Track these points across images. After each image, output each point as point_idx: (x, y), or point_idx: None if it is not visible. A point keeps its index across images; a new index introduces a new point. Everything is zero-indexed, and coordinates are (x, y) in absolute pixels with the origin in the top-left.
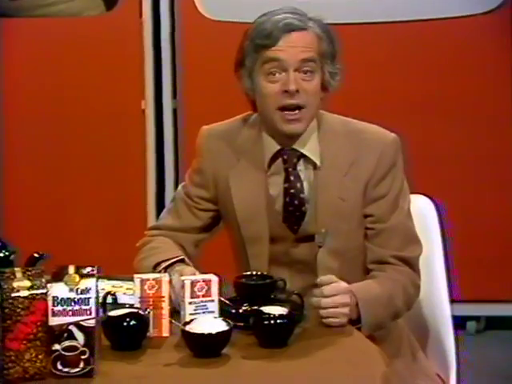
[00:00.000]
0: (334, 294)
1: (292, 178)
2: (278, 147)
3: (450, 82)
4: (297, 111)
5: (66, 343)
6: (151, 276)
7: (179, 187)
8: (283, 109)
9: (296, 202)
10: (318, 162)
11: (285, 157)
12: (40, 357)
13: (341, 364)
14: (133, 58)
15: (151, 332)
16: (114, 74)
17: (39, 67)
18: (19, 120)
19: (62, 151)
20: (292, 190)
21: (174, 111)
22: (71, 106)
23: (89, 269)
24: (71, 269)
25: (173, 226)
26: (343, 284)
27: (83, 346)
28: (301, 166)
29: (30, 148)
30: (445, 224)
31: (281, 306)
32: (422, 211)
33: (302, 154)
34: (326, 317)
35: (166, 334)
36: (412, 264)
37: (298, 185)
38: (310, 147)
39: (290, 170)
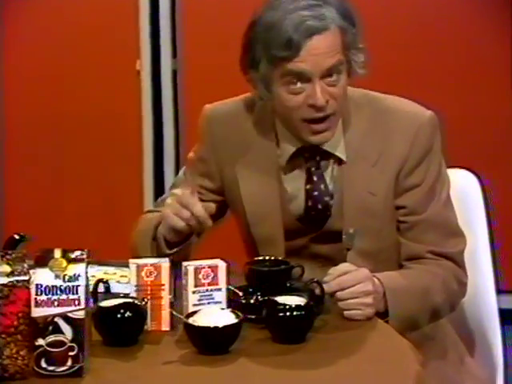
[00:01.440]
0: (353, 284)
1: (315, 178)
2: (298, 144)
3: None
4: (326, 121)
5: (52, 338)
6: (149, 261)
7: (180, 172)
8: (310, 121)
9: (319, 207)
10: (343, 157)
11: (306, 155)
12: (21, 353)
13: (367, 362)
14: (127, 11)
15: (149, 325)
16: (105, 31)
17: (33, 26)
18: (17, 82)
19: (53, 118)
20: (315, 193)
21: (174, 73)
22: (59, 67)
23: (77, 253)
24: (57, 252)
25: None
26: (363, 271)
27: (71, 341)
28: (326, 163)
29: (27, 111)
30: (490, 204)
31: (298, 295)
32: (463, 188)
33: (325, 150)
34: (347, 309)
35: (165, 327)
36: (455, 260)
37: (322, 186)
38: (333, 141)
39: (313, 169)
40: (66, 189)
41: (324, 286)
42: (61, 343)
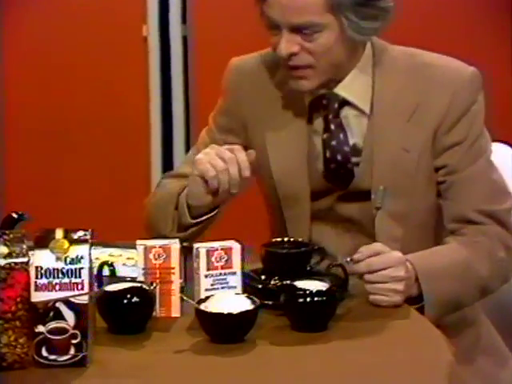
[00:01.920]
0: (384, 267)
1: (333, 127)
2: (318, 92)
3: None
4: (299, 70)
5: (53, 324)
6: (158, 243)
7: (202, 132)
8: (287, 66)
9: (339, 158)
10: (365, 109)
11: (324, 102)
12: (20, 341)
13: (394, 352)
14: None
15: (158, 311)
16: None
17: None
18: (20, 44)
19: (56, 90)
20: (333, 142)
21: (184, 39)
22: (62, 30)
23: (80, 233)
24: (59, 233)
25: (189, 173)
26: (396, 254)
27: (74, 327)
28: (347, 114)
29: (29, 80)
30: None
31: (319, 279)
32: (499, 162)
33: (344, 99)
34: (373, 293)
35: (175, 313)
36: (502, 220)
37: (341, 136)
38: (356, 91)
39: (330, 117)
40: (69, 164)
41: (352, 265)
42: (63, 330)
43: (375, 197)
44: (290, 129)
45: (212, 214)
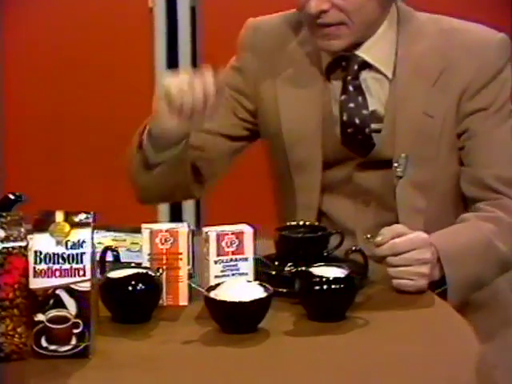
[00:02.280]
0: (408, 249)
1: (351, 88)
2: (338, 53)
3: None
4: (332, 27)
5: (53, 313)
6: (164, 226)
7: None
8: (316, 24)
9: (357, 121)
10: (387, 73)
11: (343, 63)
12: (18, 330)
13: (418, 343)
14: None
15: (164, 299)
16: None
17: None
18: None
19: (59, 63)
20: (351, 105)
21: (192, 10)
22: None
23: (82, 216)
24: (59, 215)
25: None
26: (421, 235)
27: (75, 316)
28: (367, 77)
29: (31, 56)
30: None
31: (337, 266)
32: None
33: (365, 61)
34: (397, 277)
35: (183, 302)
36: None
37: (360, 98)
38: (379, 54)
39: (349, 79)
40: (71, 142)
41: (373, 242)
42: (63, 319)
43: (397, 165)
44: (305, 90)
45: (178, 148)
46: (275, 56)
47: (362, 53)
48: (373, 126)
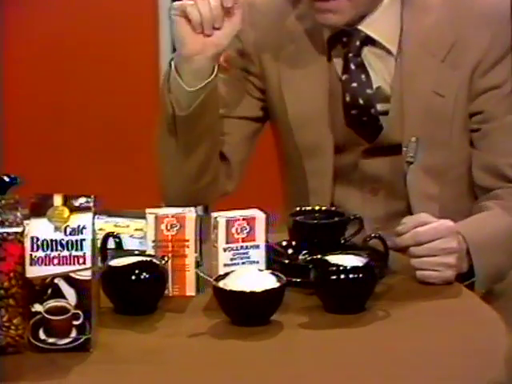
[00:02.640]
0: (433, 238)
1: (353, 66)
2: (339, 27)
3: None
4: (332, 1)
5: (51, 303)
6: (170, 211)
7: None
8: None
9: (361, 102)
10: (392, 49)
11: (344, 39)
12: (14, 321)
13: (443, 337)
14: None
15: (170, 289)
16: None
17: None
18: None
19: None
20: (353, 84)
21: None
22: None
23: (82, 199)
24: (57, 199)
25: None
26: (446, 223)
27: (75, 307)
28: (370, 53)
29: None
30: None
31: (355, 254)
32: None
33: (368, 36)
34: (420, 268)
35: (190, 292)
36: None
37: (363, 77)
38: (382, 28)
39: (351, 56)
40: (71, 121)
41: (396, 238)
42: (63, 310)
43: (406, 150)
44: (308, 69)
45: (210, 78)
46: (275, 32)
47: (365, 27)
48: (379, 106)
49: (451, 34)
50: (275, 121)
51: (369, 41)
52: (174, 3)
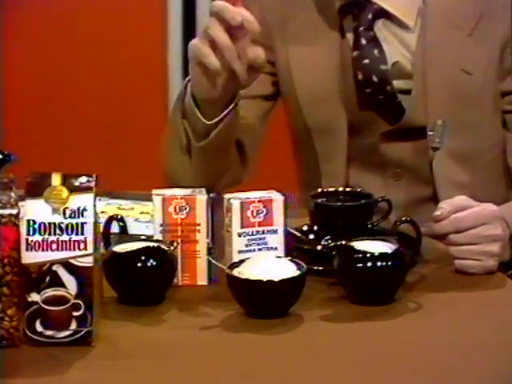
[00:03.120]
0: (475, 224)
1: (363, 41)
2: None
3: None
4: None
5: (49, 292)
6: (179, 193)
7: None
8: None
9: (375, 79)
10: (409, 23)
11: (355, 11)
12: (9, 312)
13: (481, 332)
14: None
15: (179, 278)
16: None
17: None
18: None
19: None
20: (365, 61)
21: None
22: None
23: (83, 179)
24: (56, 178)
25: None
26: (489, 207)
27: (75, 296)
28: (383, 27)
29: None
30: None
31: (383, 240)
32: None
33: (382, 9)
34: (460, 257)
35: (202, 281)
36: None
37: (376, 52)
38: (398, 0)
39: (361, 30)
40: (72, 96)
41: (434, 225)
42: (61, 300)
43: (432, 134)
44: (318, 43)
45: (229, 108)
46: (283, 4)
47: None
48: (398, 84)
49: (478, 5)
50: (284, 98)
51: (383, 14)
52: (193, 44)
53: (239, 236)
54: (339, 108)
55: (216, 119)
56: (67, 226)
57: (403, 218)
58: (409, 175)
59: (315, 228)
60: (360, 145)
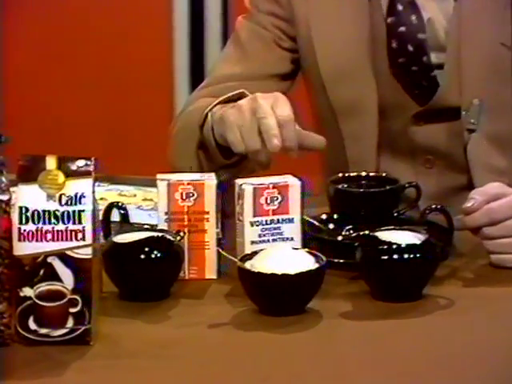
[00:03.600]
0: (509, 215)
1: (400, 7)
2: None
3: None
4: None
5: (44, 287)
6: (186, 178)
7: (238, 20)
8: None
9: (410, 49)
10: None
11: None
12: (0, 308)
13: None
14: None
15: (186, 272)
16: None
17: None
18: None
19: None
20: (401, 29)
21: None
22: None
23: (81, 162)
24: (51, 161)
25: (236, 73)
26: None
27: (72, 291)
28: None
29: None
30: None
31: (411, 230)
32: None
33: None
34: (497, 252)
35: (210, 274)
36: None
37: (413, 18)
38: None
39: None
40: (72, 95)
41: (465, 217)
42: (57, 295)
43: (467, 115)
44: (344, 10)
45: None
46: None
47: None
48: (434, 57)
49: None
50: (306, 74)
51: None
52: (227, 116)
53: (252, 225)
54: (368, 84)
55: (235, 159)
56: (63, 214)
57: (433, 206)
58: (441, 162)
59: (335, 216)
60: (389, 128)
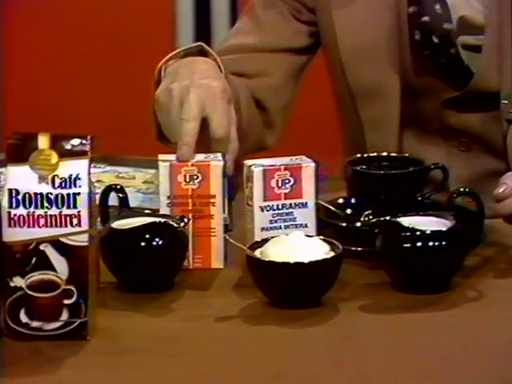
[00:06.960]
0: None
1: None
2: None
3: None
4: None
5: (36, 276)
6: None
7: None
8: None
9: (435, 40)
10: None
11: None
12: None
13: None
14: None
15: (191, 260)
16: None
17: None
18: None
19: None
20: (425, 18)
21: None
22: None
23: (75, 141)
24: (43, 140)
25: (247, 44)
26: None
27: (67, 281)
28: None
29: None
30: None
31: (437, 215)
32: None
33: None
34: None
35: (217, 264)
36: None
37: (437, 7)
38: None
39: None
40: (74, 73)
41: (496, 205)
42: (50, 285)
43: (507, 103)
44: None
45: None
46: None
47: None
48: (464, 39)
49: None
50: (325, 52)
51: None
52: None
53: (262, 210)
54: (391, 67)
55: None
56: (57, 197)
57: (461, 189)
58: (478, 146)
59: (353, 201)
60: (415, 113)
